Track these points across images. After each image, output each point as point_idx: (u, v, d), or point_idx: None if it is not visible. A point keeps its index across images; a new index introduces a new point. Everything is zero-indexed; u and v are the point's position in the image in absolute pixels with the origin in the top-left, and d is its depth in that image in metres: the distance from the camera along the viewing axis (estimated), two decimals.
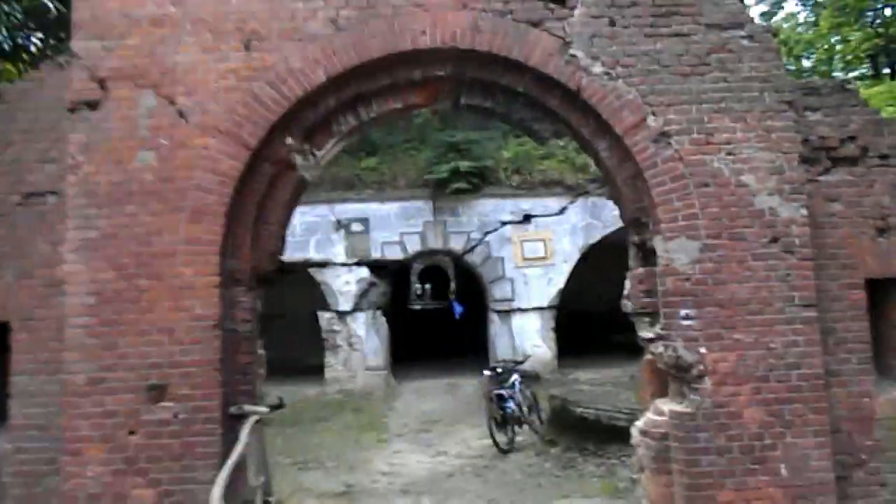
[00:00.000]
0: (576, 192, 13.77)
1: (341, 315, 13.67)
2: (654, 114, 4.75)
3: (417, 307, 25.35)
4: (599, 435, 7.08)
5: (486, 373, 8.87)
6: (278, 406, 4.99)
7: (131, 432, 4.45)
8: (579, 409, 7.06)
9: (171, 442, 4.44)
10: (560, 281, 13.70)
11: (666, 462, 4.66)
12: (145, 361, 4.50)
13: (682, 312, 4.62)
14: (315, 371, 13.98)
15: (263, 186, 4.86)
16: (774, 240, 4.67)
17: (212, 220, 4.62)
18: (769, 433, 4.55)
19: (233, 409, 4.53)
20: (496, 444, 7.65)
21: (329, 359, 13.68)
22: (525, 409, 8.45)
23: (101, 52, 4.73)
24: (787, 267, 4.66)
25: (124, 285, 4.57)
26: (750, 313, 4.62)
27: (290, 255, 14.02)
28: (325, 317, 13.74)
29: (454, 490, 6.43)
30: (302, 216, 13.67)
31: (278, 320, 18.91)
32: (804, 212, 4.71)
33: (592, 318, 18.71)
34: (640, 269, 4.98)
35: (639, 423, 4.98)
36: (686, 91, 4.77)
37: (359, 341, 13.60)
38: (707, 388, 4.56)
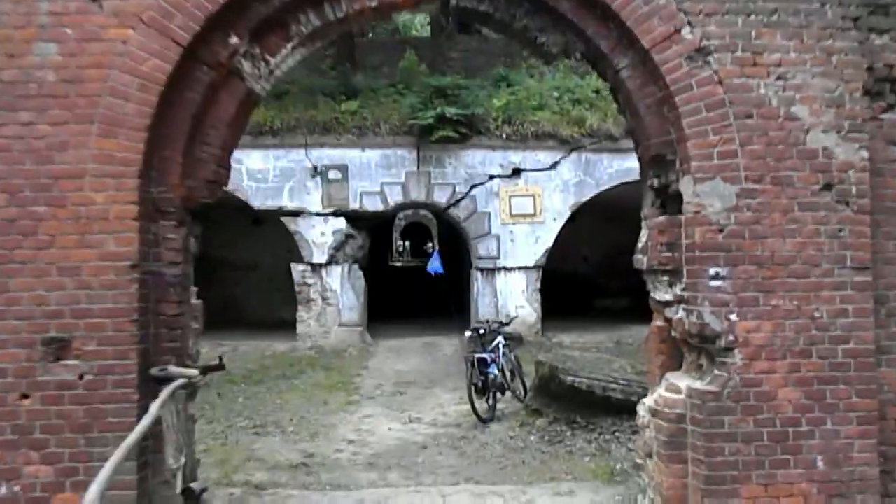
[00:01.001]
0: (570, 146, 12.77)
1: (315, 267, 12.70)
2: (690, 24, 3.77)
3: (399, 264, 24.50)
4: (591, 407, 6.29)
5: (468, 334, 7.99)
6: (216, 367, 4.08)
7: (24, 396, 3.53)
8: (570, 378, 6.24)
9: (74, 409, 3.53)
10: (548, 240, 12.81)
11: (681, 448, 3.84)
12: (43, 309, 3.55)
13: (712, 271, 3.73)
14: (288, 326, 13.08)
15: (199, 97, 3.82)
16: (827, 187, 3.78)
17: (130, 134, 3.60)
18: (806, 418, 3.73)
19: (154, 371, 3.60)
20: (475, 412, 6.85)
21: (301, 313, 12.77)
22: (508, 374, 7.64)
23: None
24: (840, 221, 3.78)
25: (17, 213, 3.57)
26: (792, 275, 3.75)
27: (262, 202, 12.98)
28: (297, 269, 12.77)
29: (427, 464, 5.62)
30: (276, 161, 12.63)
31: (252, 272, 18.05)
32: (865, 154, 3.81)
33: (577, 280, 17.98)
34: (661, 218, 4.06)
35: (648, 401, 4.15)
36: None
37: (333, 296, 12.68)
38: (736, 363, 3.71)
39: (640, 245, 4.23)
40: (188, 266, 3.98)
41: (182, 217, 3.88)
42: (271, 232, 14.48)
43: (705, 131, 3.75)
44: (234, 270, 17.78)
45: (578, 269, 18.11)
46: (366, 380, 9.71)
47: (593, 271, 18.42)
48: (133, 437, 2.80)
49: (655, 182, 4.18)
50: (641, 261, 4.19)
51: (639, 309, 18.57)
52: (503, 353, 7.64)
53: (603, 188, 12.86)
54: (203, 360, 4.32)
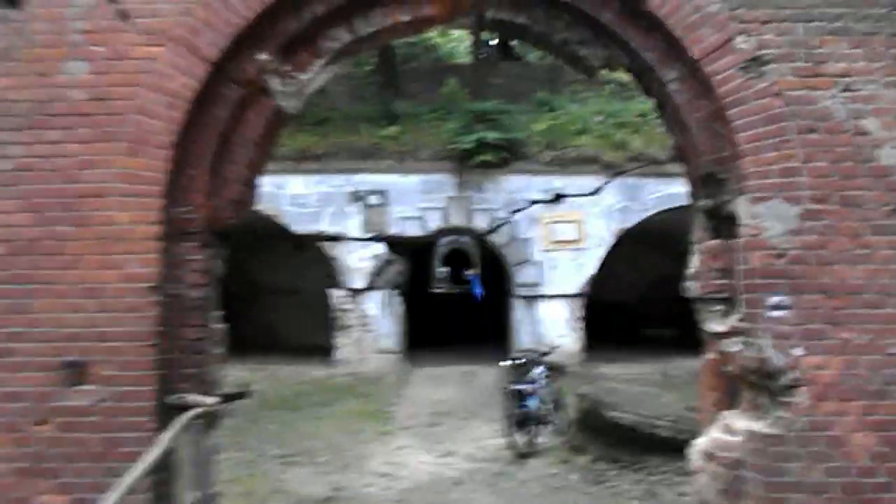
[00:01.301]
0: (613, 170, 12.42)
1: (354, 293, 12.59)
2: (745, 33, 3.48)
3: (439, 290, 24.23)
4: (637, 445, 5.87)
5: (506, 363, 7.67)
6: (239, 396, 3.89)
7: (40, 422, 3.40)
8: (614, 413, 5.86)
9: (90, 437, 3.38)
10: (591, 267, 12.40)
11: (738, 497, 3.44)
12: (62, 331, 3.43)
13: (773, 300, 3.38)
14: (325, 352, 12.96)
15: (227, 115, 3.71)
16: None
17: (155, 152, 3.50)
18: (883, 468, 3.30)
19: (171, 399, 3.44)
20: (513, 446, 6.50)
21: (339, 339, 12.64)
22: (549, 407, 7.26)
23: None
24: None
25: (40, 232, 3.49)
26: (864, 305, 3.36)
27: (303, 226, 13.00)
28: (336, 294, 12.68)
29: (460, 503, 5.30)
30: (317, 186, 12.67)
31: (292, 297, 18.10)
32: None
33: (621, 309, 17.40)
34: (714, 242, 3.73)
35: (701, 443, 3.76)
36: (790, 4, 3.49)
37: (372, 322, 12.52)
38: (801, 404, 3.32)
39: (690, 271, 3.89)
40: (211, 289, 3.82)
41: (206, 238, 3.74)
42: (312, 257, 14.48)
43: (763, 147, 3.43)
44: (274, 295, 17.89)
45: (624, 297, 17.54)
46: (401, 408, 9.45)
47: (639, 299, 17.82)
48: (137, 470, 2.61)
49: (706, 203, 3.85)
50: (692, 288, 3.85)
51: (687, 339, 17.77)
52: (544, 384, 7.28)
53: (648, 214, 12.43)
54: (231, 385, 4.15)
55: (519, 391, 6.73)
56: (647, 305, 17.70)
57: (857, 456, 3.30)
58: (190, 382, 3.58)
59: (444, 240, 28.15)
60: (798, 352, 3.34)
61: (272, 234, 14.39)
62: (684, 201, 12.69)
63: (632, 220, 12.44)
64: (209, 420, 3.60)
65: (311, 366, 12.91)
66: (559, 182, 12.50)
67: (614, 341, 15.78)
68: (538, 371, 7.39)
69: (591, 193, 12.48)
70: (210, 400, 3.43)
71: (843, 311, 3.35)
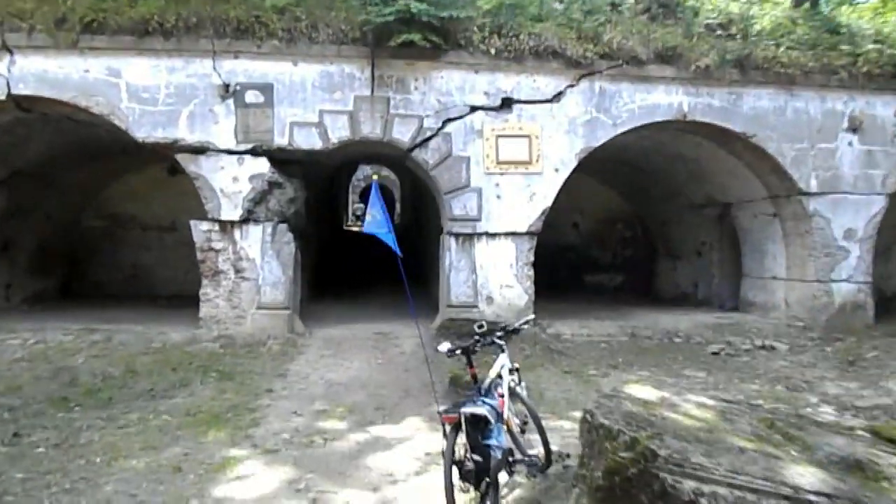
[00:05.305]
0: (580, 70, 8.90)
1: (225, 226, 8.63)
2: None
3: (355, 229, 20.58)
4: None
5: (443, 348, 3.97)
6: None
7: None
8: (693, 485, 2.50)
9: None
10: (548, 197, 8.99)
11: None
12: None
13: None
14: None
15: None
16: None
17: None
18: None
19: None
20: None
21: (207, 290, 8.70)
22: (517, 428, 3.88)
23: None
24: None
25: None
26: None
27: (149, 132, 8.51)
28: (200, 228, 8.66)
29: None
30: (170, 74, 8.38)
31: (168, 234, 13.74)
32: None
33: (566, 252, 14.31)
34: None
35: None
36: None
37: (251, 266, 8.65)
38: None
39: None
40: None
41: None
42: (192, 184, 10.31)
43: None
44: (144, 231, 13.56)
45: (568, 238, 14.42)
46: (277, 402, 5.82)
47: (583, 242, 14.77)
48: None
49: None
50: None
51: (635, 287, 14.73)
52: (512, 391, 3.82)
53: (620, 130, 9.06)
54: None
55: (473, 418, 3.21)
56: (593, 248, 14.69)
57: None
58: None
59: (363, 175, 23.67)
60: None
61: (140, 154, 10.00)
62: (668, 114, 8.49)
63: (600, 138, 9.03)
64: None
65: (173, 325, 8.96)
66: (509, 82, 8.85)
67: (558, 289, 12.73)
68: (502, 363, 3.92)
69: (551, 100, 8.94)
70: None
71: None
